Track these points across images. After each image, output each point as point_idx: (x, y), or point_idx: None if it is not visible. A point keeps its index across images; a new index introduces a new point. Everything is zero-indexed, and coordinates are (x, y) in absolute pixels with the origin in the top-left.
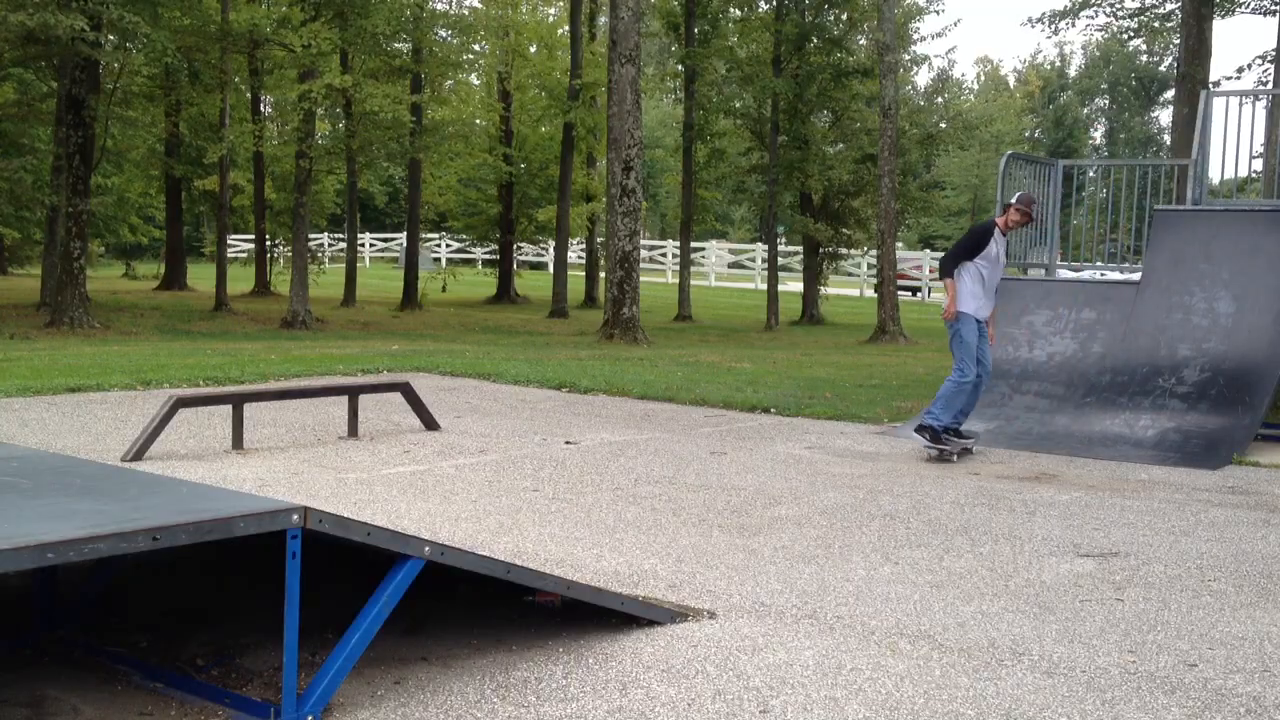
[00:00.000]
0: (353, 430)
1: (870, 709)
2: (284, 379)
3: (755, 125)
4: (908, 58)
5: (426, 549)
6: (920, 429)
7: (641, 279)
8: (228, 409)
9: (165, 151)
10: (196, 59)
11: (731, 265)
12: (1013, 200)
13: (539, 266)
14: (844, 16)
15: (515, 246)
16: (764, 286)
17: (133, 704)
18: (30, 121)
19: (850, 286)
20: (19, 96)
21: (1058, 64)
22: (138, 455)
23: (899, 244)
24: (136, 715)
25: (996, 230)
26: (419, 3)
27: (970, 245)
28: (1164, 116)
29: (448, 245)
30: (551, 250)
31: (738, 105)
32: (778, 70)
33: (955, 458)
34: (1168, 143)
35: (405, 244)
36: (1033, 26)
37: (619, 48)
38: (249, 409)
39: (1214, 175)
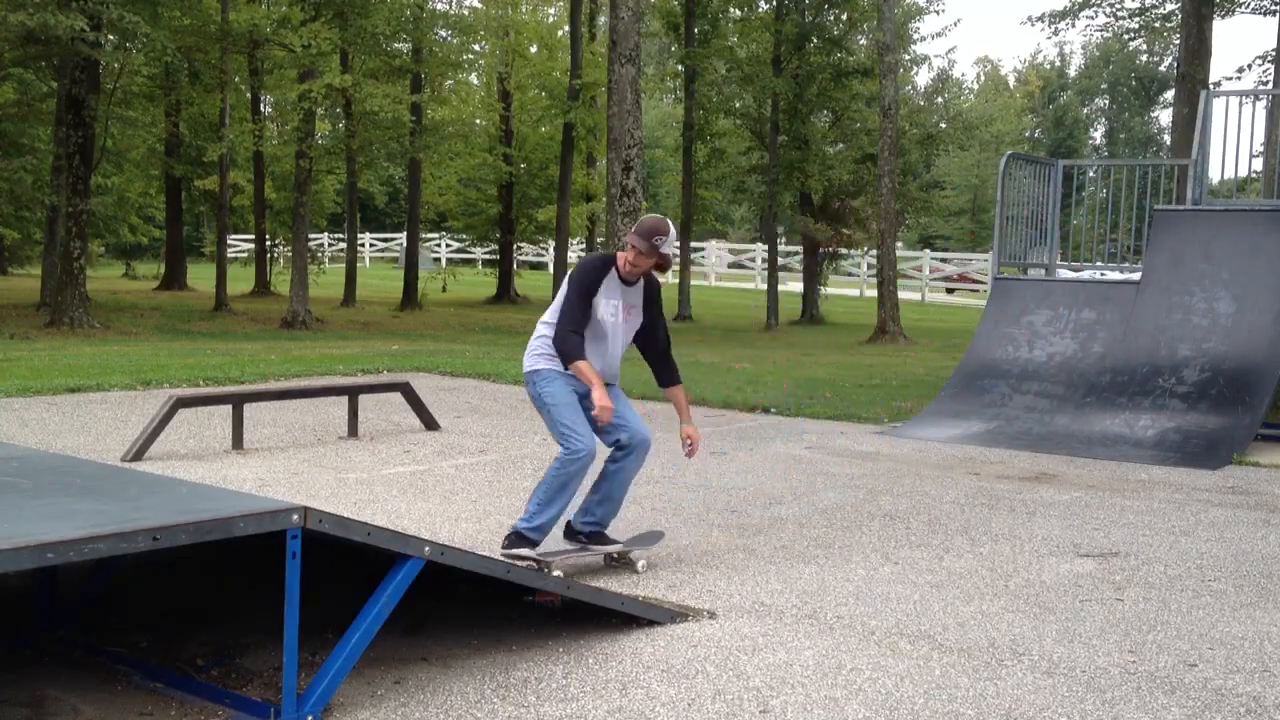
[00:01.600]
0: (353, 430)
1: (870, 709)
2: (284, 379)
3: (755, 125)
4: (908, 58)
5: (426, 549)
6: (508, 538)
7: None
8: (228, 409)
9: (165, 151)
10: (196, 59)
11: (731, 265)
12: (631, 230)
13: (539, 266)
14: (844, 16)
15: (515, 246)
16: (764, 286)
17: (133, 704)
18: (30, 121)
19: (850, 286)
20: (19, 96)
21: (1058, 64)
22: (138, 455)
23: (899, 244)
24: (136, 715)
25: (614, 269)
26: (419, 3)
27: (579, 292)
28: (1164, 116)
29: (448, 245)
30: (551, 250)
31: (738, 105)
32: (778, 70)
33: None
34: (1168, 143)
35: (405, 244)
36: (1032, 25)
37: (619, 48)
38: (249, 409)
39: (1214, 175)
